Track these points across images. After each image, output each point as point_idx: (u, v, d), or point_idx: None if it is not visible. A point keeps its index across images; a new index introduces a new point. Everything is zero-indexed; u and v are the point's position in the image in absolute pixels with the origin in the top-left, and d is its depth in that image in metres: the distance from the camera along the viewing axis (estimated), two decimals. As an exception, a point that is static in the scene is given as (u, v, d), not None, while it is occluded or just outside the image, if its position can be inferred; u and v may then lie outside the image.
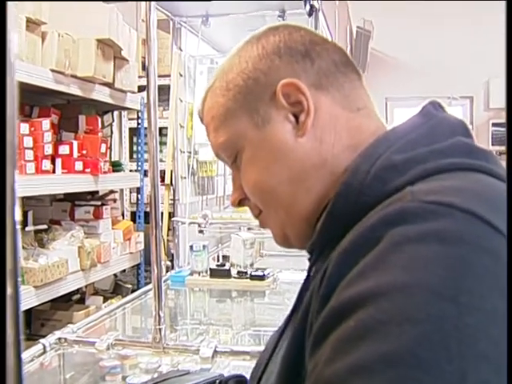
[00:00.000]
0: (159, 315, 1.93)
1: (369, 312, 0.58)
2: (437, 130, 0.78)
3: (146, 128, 3.33)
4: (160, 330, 1.91)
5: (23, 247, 2.70)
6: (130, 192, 4.08)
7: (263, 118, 0.86)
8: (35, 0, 2.64)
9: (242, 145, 0.88)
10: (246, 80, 0.88)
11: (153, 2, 1.96)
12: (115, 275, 3.60)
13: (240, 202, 0.95)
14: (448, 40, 5.14)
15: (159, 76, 3.82)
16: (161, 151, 3.75)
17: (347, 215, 0.74)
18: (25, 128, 2.64)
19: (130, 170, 3.77)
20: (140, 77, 3.45)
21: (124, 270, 3.56)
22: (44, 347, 1.89)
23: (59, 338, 1.96)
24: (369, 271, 0.62)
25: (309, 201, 0.84)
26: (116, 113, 3.63)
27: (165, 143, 3.15)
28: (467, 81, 5.07)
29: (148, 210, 3.23)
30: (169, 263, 2.81)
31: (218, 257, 3.28)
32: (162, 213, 2.94)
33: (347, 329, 0.59)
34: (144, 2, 1.98)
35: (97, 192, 3.36)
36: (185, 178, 2.80)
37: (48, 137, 2.78)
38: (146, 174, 3.52)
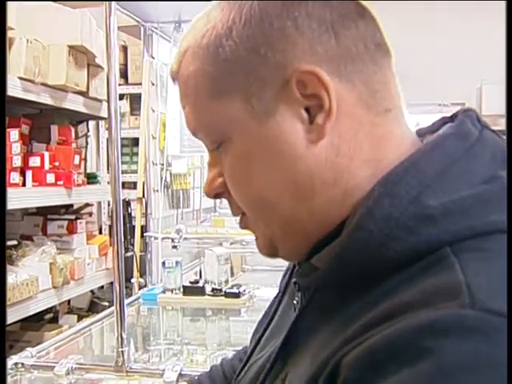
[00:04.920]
0: (121, 337, 1.82)
1: None
2: (478, 160, 0.64)
3: (121, 138, 3.23)
4: (122, 352, 1.80)
5: (-10, 264, 2.57)
6: (109, 205, 3.95)
7: (267, 108, 0.65)
8: (36, 0, 2.53)
9: (230, 134, 0.68)
10: (249, 53, 0.65)
11: (114, 6, 1.83)
12: (92, 292, 3.47)
13: (217, 195, 0.75)
14: (438, 45, 5.02)
15: (135, 84, 3.74)
16: (135, 163, 3.64)
17: (362, 265, 0.62)
18: (-9, 139, 2.52)
19: (108, 182, 3.63)
20: (119, 85, 3.33)
21: (102, 287, 3.42)
22: (-2, 373, 1.78)
23: (16, 363, 1.85)
24: None
25: (311, 222, 0.69)
26: (93, 122, 3.50)
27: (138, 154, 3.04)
28: (459, 87, 4.93)
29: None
30: (141, 280, 2.68)
31: (201, 272, 3.19)
32: (134, 227, 2.86)
33: None
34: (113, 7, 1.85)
35: (71, 205, 3.23)
36: (157, 190, 2.68)
37: (16, 148, 2.65)
38: (123, 185, 3.40)
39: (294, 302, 0.76)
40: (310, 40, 0.64)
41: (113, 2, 1.78)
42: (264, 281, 2.84)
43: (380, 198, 0.62)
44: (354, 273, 0.63)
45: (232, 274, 2.72)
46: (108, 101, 1.84)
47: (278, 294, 0.90)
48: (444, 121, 0.73)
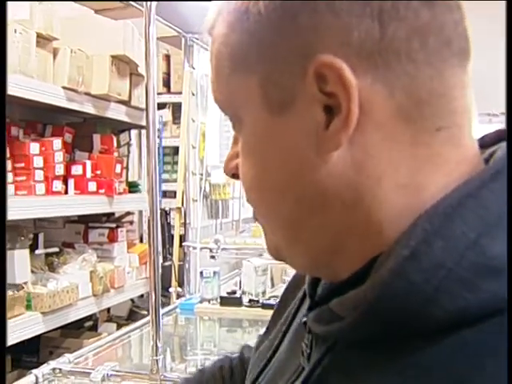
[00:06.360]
0: (156, 345, 1.82)
1: None
2: None
3: (163, 147, 3.24)
4: (157, 361, 1.80)
5: (32, 271, 2.60)
6: (150, 214, 3.97)
7: (281, 98, 0.53)
8: (33, 0, 2.55)
9: (242, 117, 0.58)
10: (272, 27, 0.53)
11: (154, 16, 1.83)
12: (132, 301, 3.48)
13: (234, 176, 0.64)
14: (484, 50, 4.89)
15: (178, 93, 3.76)
16: (177, 171, 3.65)
17: (399, 323, 0.49)
18: (35, 148, 2.56)
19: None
20: (159, 93, 3.34)
21: (142, 296, 3.44)
22: (36, 378, 1.80)
23: (53, 369, 1.87)
24: None
25: (320, 246, 0.57)
26: (135, 131, 3.53)
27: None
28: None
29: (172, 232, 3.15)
30: (179, 289, 2.69)
31: (241, 283, 3.18)
32: (173, 236, 2.86)
33: None
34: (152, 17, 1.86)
35: (112, 214, 3.26)
36: (196, 200, 2.68)
37: (59, 156, 2.69)
38: (165, 194, 3.42)
39: (303, 346, 0.62)
40: (346, 25, 0.50)
41: (152, 13, 1.79)
42: (303, 293, 2.81)
43: (427, 237, 0.48)
44: (389, 331, 0.50)
45: (272, 285, 2.71)
46: (146, 110, 1.85)
47: (287, 316, 0.75)
48: (500, 136, 0.59)
